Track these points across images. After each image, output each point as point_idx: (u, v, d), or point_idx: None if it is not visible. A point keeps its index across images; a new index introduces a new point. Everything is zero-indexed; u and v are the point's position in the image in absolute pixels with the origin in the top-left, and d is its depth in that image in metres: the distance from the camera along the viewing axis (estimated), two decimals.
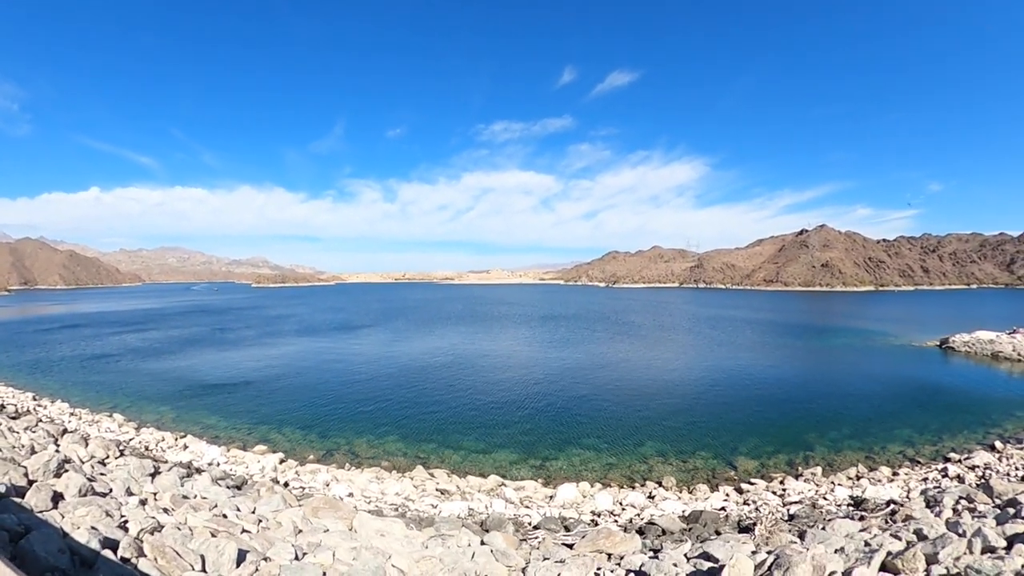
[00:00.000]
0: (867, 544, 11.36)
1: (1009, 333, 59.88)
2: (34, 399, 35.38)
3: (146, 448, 26.03)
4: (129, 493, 12.25)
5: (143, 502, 11.57)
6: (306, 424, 31.59)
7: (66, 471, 11.92)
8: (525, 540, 14.61)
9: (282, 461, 25.66)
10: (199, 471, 21.16)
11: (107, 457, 19.58)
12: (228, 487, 18.04)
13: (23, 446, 16.90)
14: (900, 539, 11.46)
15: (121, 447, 23.23)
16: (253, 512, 13.56)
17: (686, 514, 19.14)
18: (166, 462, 22.72)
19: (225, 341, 70.56)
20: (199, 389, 40.18)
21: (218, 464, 24.80)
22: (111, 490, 11.42)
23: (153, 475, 15.48)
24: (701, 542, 13.47)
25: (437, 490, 22.58)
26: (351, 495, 21.42)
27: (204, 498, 14.25)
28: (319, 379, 43.86)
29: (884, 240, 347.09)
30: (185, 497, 13.34)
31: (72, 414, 31.82)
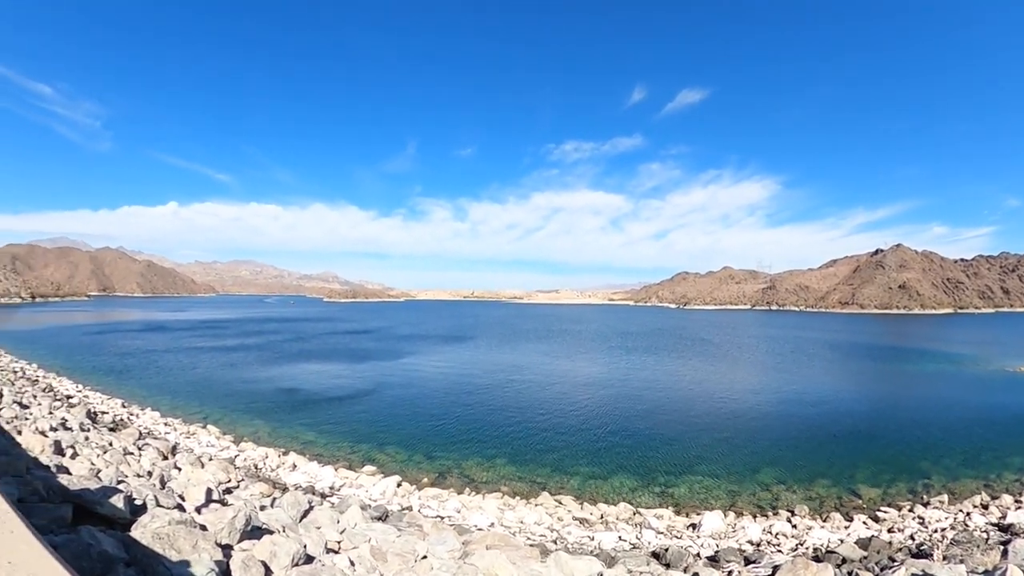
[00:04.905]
0: None
1: None
2: (123, 406, 34.34)
3: (255, 467, 24.26)
4: (329, 550, 9.95)
5: (352, 563, 9.24)
6: (408, 443, 29.91)
7: (258, 527, 9.62)
8: None
9: (399, 484, 23.64)
10: (324, 497, 19.84)
11: (230, 481, 17.60)
12: (372, 518, 15.77)
13: (148, 473, 14.85)
14: None
15: (236, 467, 21.21)
16: (425, 557, 11.33)
17: (843, 542, 18.05)
18: (285, 487, 20.85)
19: (308, 353, 70.05)
20: (289, 402, 38.90)
21: (336, 487, 22.88)
22: (305, 545, 9.05)
23: (307, 511, 13.20)
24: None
25: (575, 519, 21.09)
26: (492, 525, 19.66)
27: (368, 539, 11.96)
28: (410, 394, 42.20)
29: (961, 260, 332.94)
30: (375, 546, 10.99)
31: (166, 424, 30.55)
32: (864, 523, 20.62)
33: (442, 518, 19.61)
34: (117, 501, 8.00)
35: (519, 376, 51.42)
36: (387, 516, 17.75)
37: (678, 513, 21.84)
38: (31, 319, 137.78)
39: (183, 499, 11.49)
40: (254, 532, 9.28)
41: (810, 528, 19.99)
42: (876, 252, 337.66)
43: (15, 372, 41.05)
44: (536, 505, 22.24)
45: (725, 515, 21.17)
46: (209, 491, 11.84)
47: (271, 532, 10.15)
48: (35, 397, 28.04)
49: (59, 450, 13.20)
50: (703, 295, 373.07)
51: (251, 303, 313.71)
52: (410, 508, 20.46)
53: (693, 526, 20.37)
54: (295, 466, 25.04)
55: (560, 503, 22.56)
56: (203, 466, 18.80)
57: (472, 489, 23.81)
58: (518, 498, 23.15)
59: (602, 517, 21.28)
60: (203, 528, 8.22)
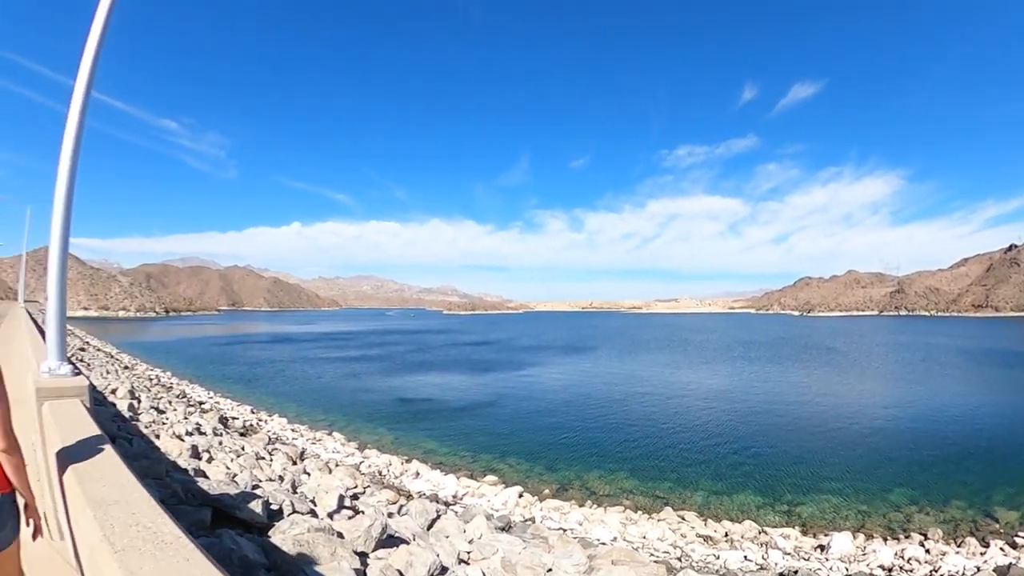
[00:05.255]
0: None
1: None
2: (252, 412, 35.47)
3: (380, 473, 24.37)
4: (460, 561, 9.57)
5: (484, 575, 8.81)
6: (529, 454, 29.30)
7: (391, 535, 9.34)
8: None
9: (520, 495, 23.12)
10: (448, 505, 19.10)
11: (356, 487, 17.57)
12: (496, 529, 15.34)
13: (279, 478, 14.94)
14: None
15: (362, 473, 21.28)
16: (551, 571, 10.79)
17: (979, 570, 17.06)
18: (410, 494, 20.78)
19: (429, 364, 70.83)
20: (411, 411, 39.09)
21: (459, 496, 22.58)
22: (438, 556, 8.68)
23: (434, 520, 12.90)
24: None
25: (699, 536, 20.09)
26: (615, 540, 18.78)
27: (496, 550, 11.50)
28: (531, 406, 41.64)
29: None
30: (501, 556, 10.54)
31: (293, 430, 31.17)
32: (1002, 549, 19.06)
33: (565, 530, 18.96)
34: (256, 506, 7.85)
35: (640, 387, 50.22)
36: (510, 527, 17.30)
37: (805, 533, 20.70)
38: (165, 331, 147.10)
39: (315, 504, 11.39)
40: (387, 540, 9.01)
41: (944, 554, 18.67)
42: (1010, 248, 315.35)
43: (151, 379, 43.18)
44: (659, 520, 21.32)
45: (854, 537, 19.90)
46: (341, 497, 11.69)
47: (403, 540, 9.87)
48: (170, 403, 29.18)
49: (196, 454, 13.40)
50: (827, 301, 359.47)
51: (373, 316, 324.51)
52: (533, 520, 19.88)
53: (821, 547, 19.29)
54: (418, 474, 25.01)
55: (683, 519, 21.62)
56: (330, 472, 18.94)
57: (594, 502, 23.12)
58: (640, 512, 22.29)
59: (727, 535, 20.31)
60: (340, 536, 7.96)
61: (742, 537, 19.97)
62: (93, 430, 4.78)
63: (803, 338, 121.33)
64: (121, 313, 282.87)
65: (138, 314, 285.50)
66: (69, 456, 4.23)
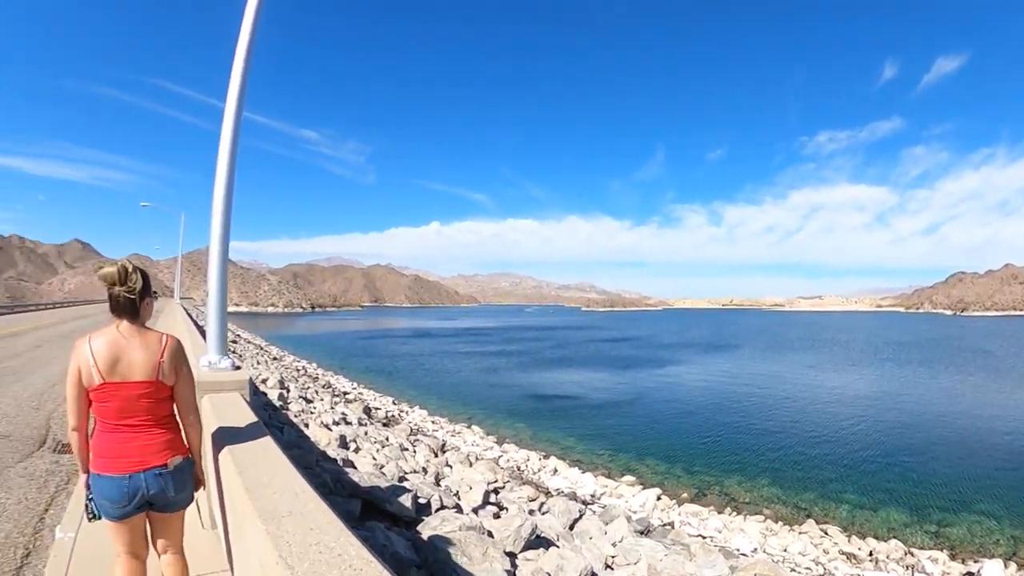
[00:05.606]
0: None
1: None
2: (394, 403, 36.39)
3: (518, 468, 24.22)
4: (606, 566, 9.12)
5: None
6: (667, 455, 28.28)
7: (539, 536, 9.03)
8: None
9: (659, 497, 22.31)
10: (586, 504, 18.68)
11: (496, 481, 17.41)
12: (635, 532, 14.77)
13: (423, 469, 14.97)
14: None
15: (501, 468, 21.16)
16: None
17: None
18: (548, 491, 20.51)
19: (567, 360, 70.39)
20: (549, 407, 38.83)
21: (597, 496, 22.06)
22: (587, 560, 8.27)
23: (576, 520, 12.50)
24: None
25: (841, 553, 18.46)
26: (755, 551, 17.84)
27: (639, 556, 10.95)
28: (670, 406, 40.37)
29: None
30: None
31: (433, 422, 31.68)
32: None
33: (703, 537, 18.18)
34: (405, 500, 7.75)
35: (782, 390, 47.87)
36: (650, 530, 16.72)
37: (953, 558, 18.88)
38: (311, 326, 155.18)
39: (459, 498, 11.26)
40: (534, 541, 8.69)
41: None
42: None
43: (298, 370, 45.11)
44: (800, 533, 20.03)
45: (1006, 565, 17.93)
46: (487, 493, 11.50)
47: (547, 540, 9.56)
48: (317, 393, 30.23)
49: (343, 444, 13.58)
50: (983, 299, 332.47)
51: (511, 313, 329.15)
52: (671, 524, 19.11)
53: (970, 574, 17.52)
54: (556, 470, 24.70)
55: (826, 533, 20.23)
56: (471, 465, 18.93)
57: (733, 509, 22.04)
58: (781, 523, 20.97)
59: (871, 554, 18.83)
60: (490, 535, 7.69)
61: (887, 557, 18.58)
62: (258, 429, 4.69)
63: (957, 340, 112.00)
64: (270, 309, 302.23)
65: (285, 310, 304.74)
66: (231, 452, 4.10)
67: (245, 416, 4.96)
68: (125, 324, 3.69)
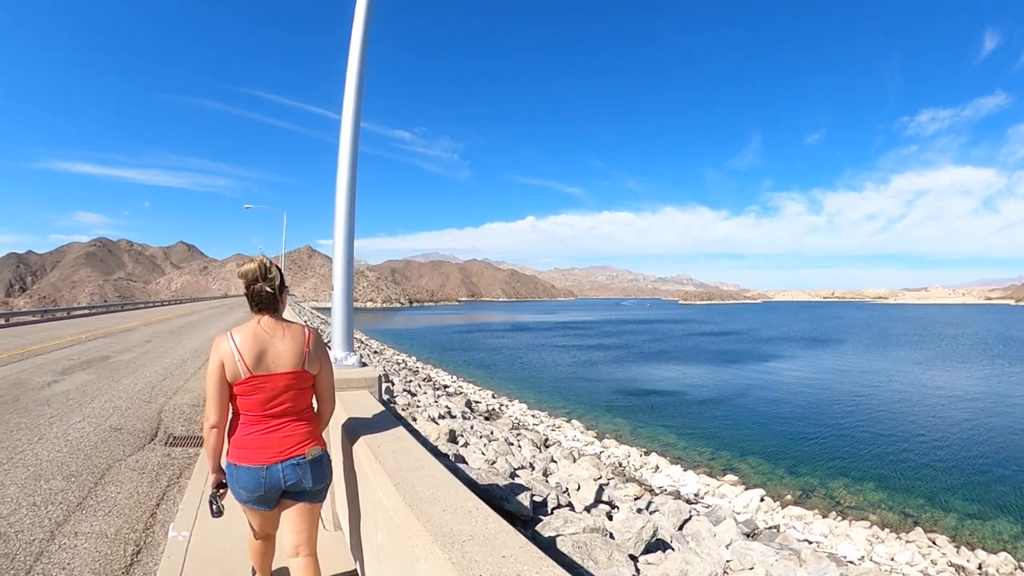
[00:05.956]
0: None
1: None
2: (493, 397, 36.62)
3: (619, 464, 23.92)
4: (724, 571, 8.78)
5: None
6: (770, 454, 27.28)
7: (658, 540, 8.79)
8: None
9: (762, 499, 21.55)
10: (690, 503, 18.32)
11: (600, 478, 17.15)
12: (743, 535, 14.24)
13: (530, 465, 14.86)
14: None
15: (604, 464, 20.90)
16: None
17: None
18: (651, 488, 20.19)
19: (666, 354, 69.15)
20: (648, 402, 38.13)
21: (700, 495, 21.49)
22: (713, 570, 7.96)
23: (685, 521, 12.12)
24: None
25: (950, 564, 17.48)
26: (862, 558, 16.96)
27: (754, 563, 10.49)
28: (772, 403, 38.94)
29: None
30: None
31: (533, 416, 31.59)
32: None
33: (809, 542, 17.44)
34: (523, 499, 7.60)
35: (888, 389, 45.59)
36: (755, 533, 16.17)
37: None
38: (408, 320, 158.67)
39: (568, 495, 11.08)
40: (653, 543, 8.44)
41: None
42: None
43: (398, 363, 45.93)
44: (907, 542, 18.92)
45: None
46: (600, 491, 11.27)
47: (663, 542, 9.29)
48: (419, 386, 30.65)
49: (452, 438, 13.63)
50: None
51: (608, 306, 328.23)
52: (777, 528, 18.50)
53: None
54: (658, 467, 24.21)
55: (934, 543, 19.01)
56: (575, 460, 18.73)
57: (838, 513, 21.03)
58: (887, 530, 19.82)
59: (980, 567, 17.70)
60: (611, 536, 7.49)
61: (997, 571, 17.40)
62: (400, 432, 4.50)
63: None
64: (368, 304, 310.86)
65: (384, 305, 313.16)
66: (375, 457, 3.92)
67: (383, 416, 4.77)
68: (267, 318, 3.74)
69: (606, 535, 7.30)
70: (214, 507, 3.84)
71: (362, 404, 5.14)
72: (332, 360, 6.14)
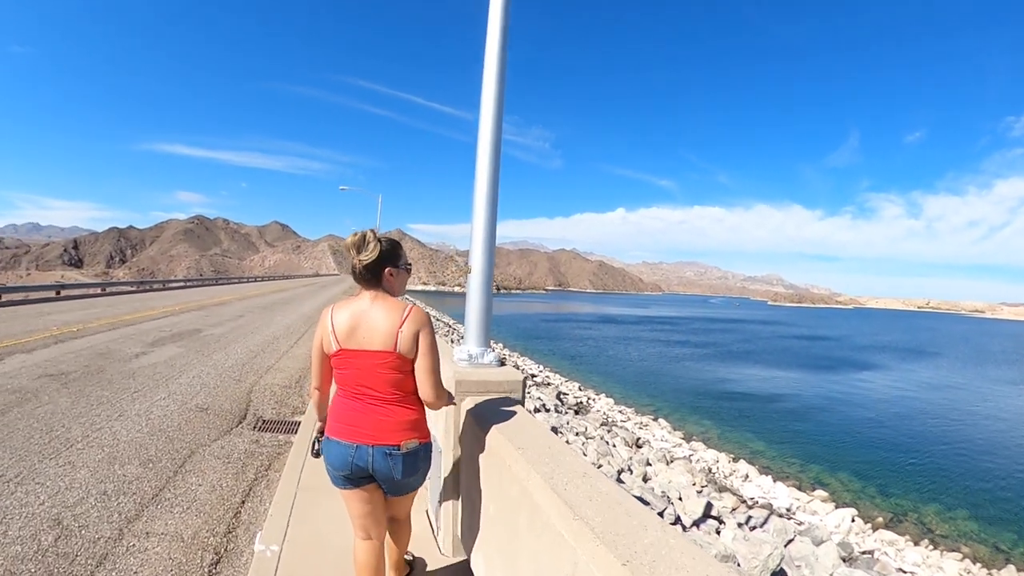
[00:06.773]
0: None
1: None
2: (580, 389, 36.22)
3: (708, 470, 23.12)
4: None
5: None
6: (861, 472, 25.88)
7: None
8: None
9: (853, 519, 20.55)
10: (781, 518, 17.52)
11: (694, 485, 16.71)
12: (841, 559, 13.54)
13: (628, 468, 14.51)
14: None
15: (697, 470, 20.40)
16: None
17: None
18: (743, 499, 19.41)
19: (755, 357, 67.46)
20: (736, 406, 37.08)
21: (792, 510, 20.64)
22: None
23: (789, 541, 11.61)
24: None
25: None
26: None
27: None
28: (865, 417, 37.06)
29: None
30: None
31: (620, 412, 31.22)
32: None
33: (903, 572, 16.74)
34: None
35: (985, 411, 42.91)
36: (851, 558, 15.44)
37: None
38: (496, 306, 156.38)
39: (671, 504, 10.74)
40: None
41: None
42: None
43: None
44: None
45: None
46: (709, 506, 10.85)
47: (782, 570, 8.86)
48: None
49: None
50: None
51: (696, 303, 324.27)
52: (871, 553, 17.75)
53: None
54: (747, 476, 23.44)
55: None
56: (668, 464, 18.36)
57: (930, 541, 19.77)
58: (979, 565, 18.46)
59: None
60: (736, 563, 7.11)
61: None
62: (571, 456, 3.33)
63: None
64: (456, 288, 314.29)
65: None
66: (553, 490, 2.71)
67: (537, 435, 3.70)
68: (367, 293, 3.56)
69: (733, 560, 6.94)
70: (315, 448, 3.78)
71: (501, 410, 4.19)
72: (466, 357, 5.24)
